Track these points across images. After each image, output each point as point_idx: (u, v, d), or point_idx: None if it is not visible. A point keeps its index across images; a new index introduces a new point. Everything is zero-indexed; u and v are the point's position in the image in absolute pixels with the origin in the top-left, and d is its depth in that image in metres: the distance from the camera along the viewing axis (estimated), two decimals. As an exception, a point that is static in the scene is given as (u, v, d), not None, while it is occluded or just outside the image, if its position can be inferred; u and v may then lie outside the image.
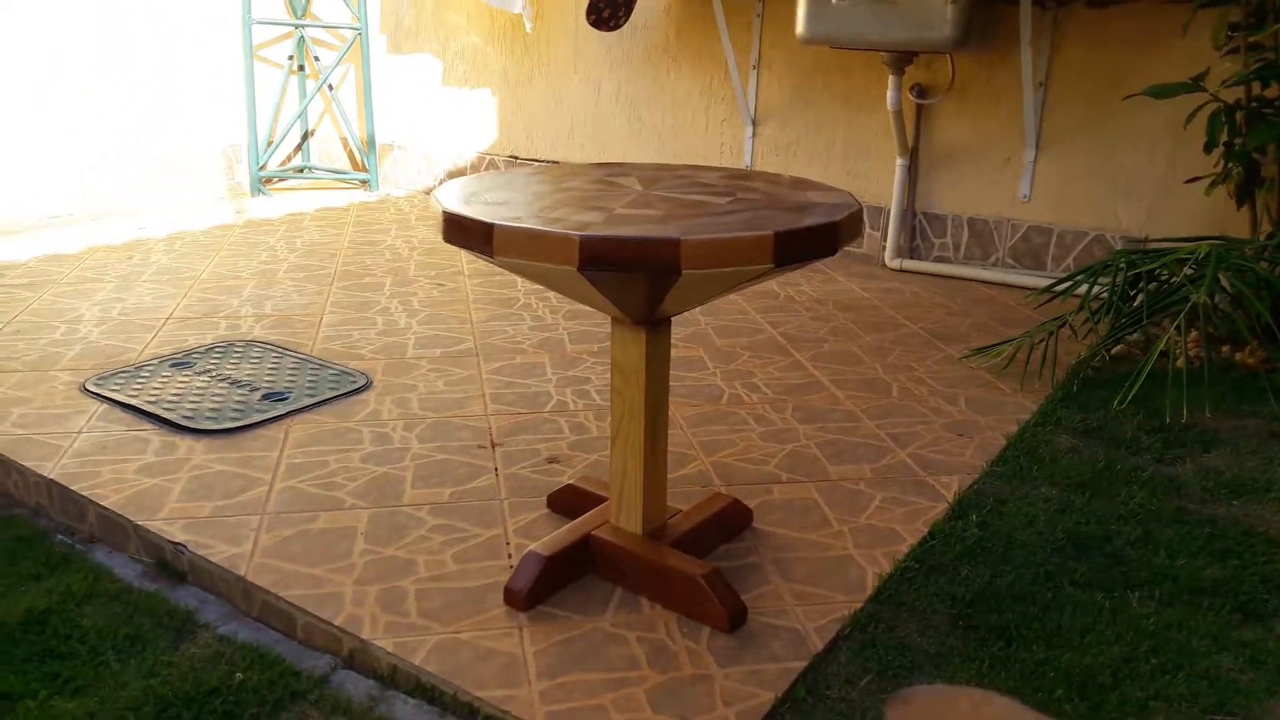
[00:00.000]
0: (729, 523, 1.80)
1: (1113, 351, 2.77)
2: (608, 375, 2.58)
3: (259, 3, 4.81)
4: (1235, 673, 1.49)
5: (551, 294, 3.34)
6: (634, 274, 1.25)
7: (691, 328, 3.04)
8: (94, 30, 4.22)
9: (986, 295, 3.48)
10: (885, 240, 3.87)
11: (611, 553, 1.62)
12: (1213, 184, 2.93)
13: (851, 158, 3.91)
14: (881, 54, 3.51)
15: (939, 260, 3.80)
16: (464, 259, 3.78)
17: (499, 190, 1.50)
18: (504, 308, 3.17)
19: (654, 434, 1.59)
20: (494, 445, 2.15)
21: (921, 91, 3.71)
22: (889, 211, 3.83)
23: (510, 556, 1.71)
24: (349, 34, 4.90)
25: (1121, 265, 2.68)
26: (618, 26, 4.06)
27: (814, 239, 1.29)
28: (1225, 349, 2.77)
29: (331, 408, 2.32)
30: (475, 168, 4.87)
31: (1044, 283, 3.54)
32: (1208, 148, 2.82)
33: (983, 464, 2.15)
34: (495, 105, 4.78)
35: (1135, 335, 2.72)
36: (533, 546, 1.61)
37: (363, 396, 2.40)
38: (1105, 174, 3.44)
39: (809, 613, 1.59)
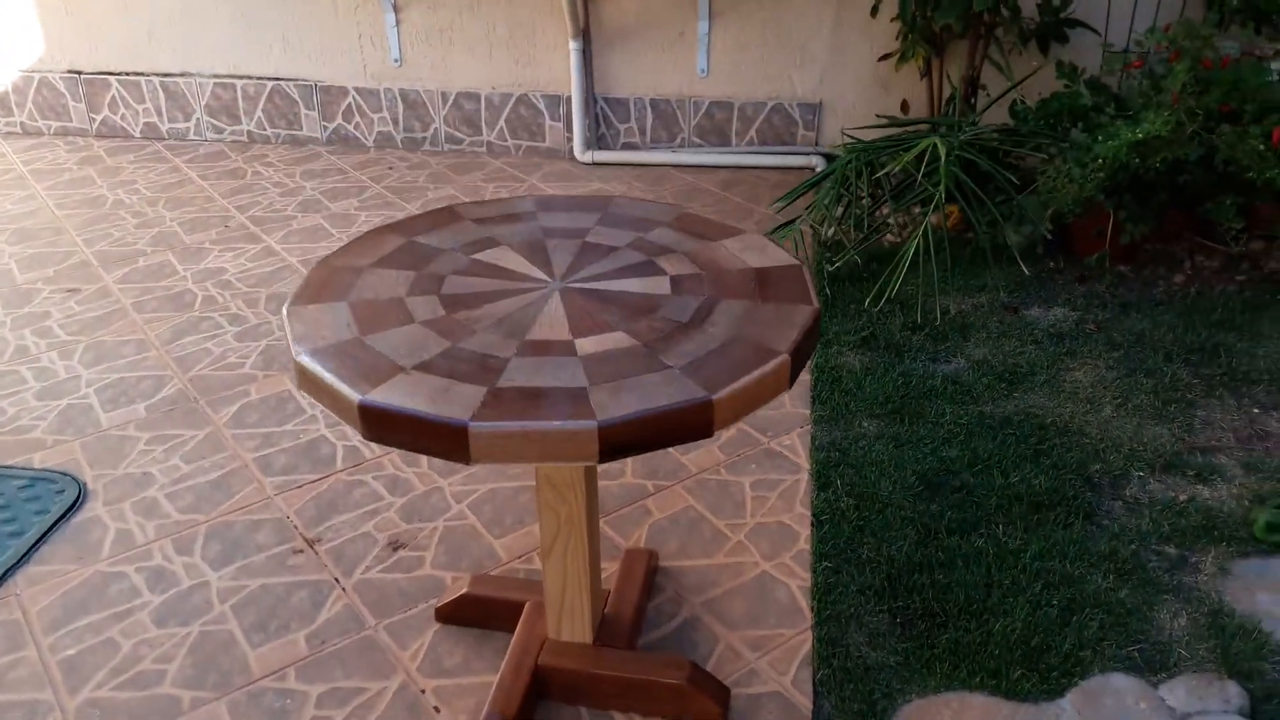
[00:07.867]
0: (651, 581, 1.62)
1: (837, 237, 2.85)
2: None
3: None
4: (1110, 590, 1.63)
5: (235, 270, 2.72)
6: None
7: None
8: None
9: (687, 182, 3.42)
10: (571, 133, 3.63)
11: (572, 679, 1.38)
12: (902, 58, 3.05)
13: (518, 43, 3.55)
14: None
15: (627, 148, 3.65)
16: (78, 238, 2.94)
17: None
18: (180, 310, 2.53)
19: (595, 540, 1.34)
20: (311, 545, 1.73)
21: (582, -36, 3.41)
22: (570, 100, 3.57)
23: (438, 711, 1.40)
24: None
25: (853, 165, 2.72)
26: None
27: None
28: (934, 219, 2.97)
29: (56, 546, 1.70)
30: (21, 93, 3.77)
31: (732, 160, 3.55)
32: (878, 13, 2.92)
33: (806, 410, 2.14)
34: (37, 1, 3.67)
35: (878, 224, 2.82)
36: (485, 712, 1.32)
37: (86, 515, 1.79)
38: (776, 42, 3.44)
39: (774, 662, 1.50)
